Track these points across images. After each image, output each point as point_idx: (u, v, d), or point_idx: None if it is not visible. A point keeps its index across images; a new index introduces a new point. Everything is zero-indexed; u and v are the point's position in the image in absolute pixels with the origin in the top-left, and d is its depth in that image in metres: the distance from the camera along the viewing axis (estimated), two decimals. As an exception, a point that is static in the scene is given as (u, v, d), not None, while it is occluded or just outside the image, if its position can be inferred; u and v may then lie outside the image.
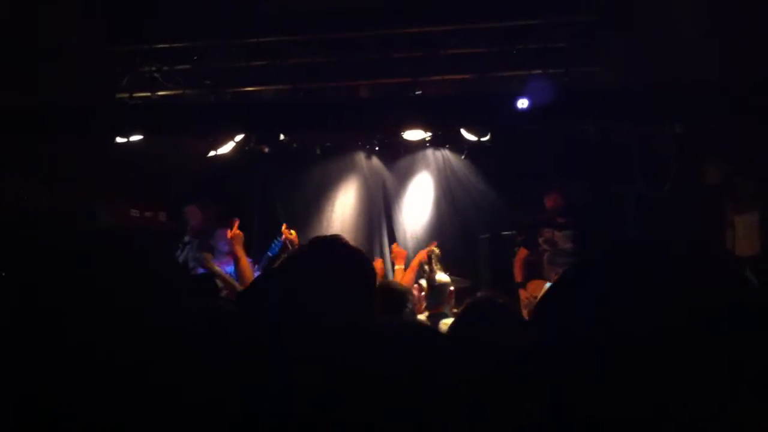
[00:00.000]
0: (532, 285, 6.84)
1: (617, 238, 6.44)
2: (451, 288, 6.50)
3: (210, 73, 6.70)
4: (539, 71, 6.24)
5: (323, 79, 6.50)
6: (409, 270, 5.91)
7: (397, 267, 6.15)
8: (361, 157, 8.69)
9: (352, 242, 6.54)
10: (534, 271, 6.98)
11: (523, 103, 6.28)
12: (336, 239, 2.08)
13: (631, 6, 5.60)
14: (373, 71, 6.38)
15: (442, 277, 6.55)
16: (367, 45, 6.17)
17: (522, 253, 7.17)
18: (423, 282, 6.39)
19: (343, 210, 8.64)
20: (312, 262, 1.94)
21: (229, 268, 6.97)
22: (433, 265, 6.86)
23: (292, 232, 5.85)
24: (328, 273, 1.90)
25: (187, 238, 6.95)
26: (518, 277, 7.10)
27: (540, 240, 7.01)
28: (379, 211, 8.62)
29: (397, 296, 4.11)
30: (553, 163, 7.35)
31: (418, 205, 8.58)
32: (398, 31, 6.08)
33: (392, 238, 8.49)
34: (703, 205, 6.55)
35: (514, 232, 7.69)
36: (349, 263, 1.98)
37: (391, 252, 6.96)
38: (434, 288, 6.21)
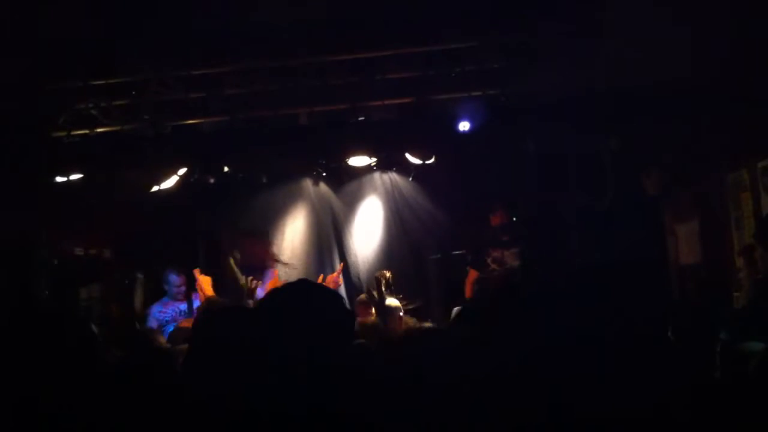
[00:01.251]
0: None
1: (563, 253, 6.51)
2: (401, 313, 6.48)
3: (148, 107, 6.62)
4: (478, 93, 6.29)
5: (262, 108, 6.47)
6: None
7: None
8: (308, 183, 8.66)
9: (303, 270, 6.48)
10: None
11: (464, 126, 6.34)
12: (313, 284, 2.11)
13: (567, 23, 5.67)
14: (311, 98, 6.38)
15: (391, 301, 6.54)
16: (305, 72, 6.16)
17: (472, 274, 7.20)
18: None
19: (292, 238, 8.58)
20: (292, 305, 1.92)
21: (182, 306, 6.90)
22: (383, 289, 6.84)
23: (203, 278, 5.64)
24: (308, 315, 1.89)
25: None
26: (468, 295, 7.13)
27: (488, 259, 7.05)
28: (329, 237, 8.59)
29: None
30: (499, 181, 7.42)
31: (367, 230, 8.57)
32: (335, 57, 6.09)
33: (344, 264, 8.46)
34: (644, 215, 6.66)
35: (463, 251, 7.73)
36: (329, 306, 1.97)
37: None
38: (382, 313, 6.18)
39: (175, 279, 6.97)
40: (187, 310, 6.87)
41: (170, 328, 6.35)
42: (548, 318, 1.16)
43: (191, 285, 6.83)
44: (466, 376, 1.47)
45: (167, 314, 6.86)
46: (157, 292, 7.23)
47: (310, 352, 1.66)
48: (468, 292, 7.23)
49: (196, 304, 6.65)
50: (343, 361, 1.69)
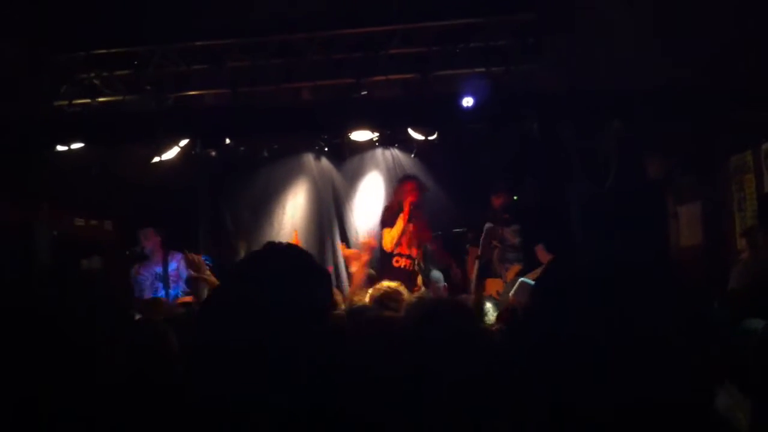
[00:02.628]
0: (488, 282, 6.88)
1: (564, 234, 6.52)
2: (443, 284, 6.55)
3: (150, 78, 6.58)
4: (482, 70, 6.25)
5: (265, 82, 6.43)
6: (360, 269, 5.78)
7: (353, 270, 5.98)
8: (309, 158, 8.64)
9: (303, 245, 6.38)
10: (487, 268, 7.03)
11: (468, 102, 6.29)
12: (291, 247, 2.02)
13: (572, 6, 5.64)
14: (314, 73, 6.33)
15: (435, 273, 6.61)
16: (308, 47, 6.12)
17: (473, 251, 7.21)
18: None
19: (293, 213, 8.58)
20: (267, 271, 1.88)
21: (158, 269, 6.77)
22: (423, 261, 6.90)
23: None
24: (283, 283, 1.85)
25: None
26: (471, 275, 7.14)
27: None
28: (330, 212, 8.58)
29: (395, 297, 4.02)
30: (501, 161, 7.41)
31: (368, 205, 8.55)
32: (339, 32, 6.05)
33: (344, 240, 8.46)
34: (646, 197, 6.65)
35: (464, 229, 7.72)
36: (306, 273, 1.92)
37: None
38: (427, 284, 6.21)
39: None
40: (162, 273, 6.67)
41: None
42: (553, 312, 1.15)
43: (167, 245, 6.65)
44: (468, 372, 1.46)
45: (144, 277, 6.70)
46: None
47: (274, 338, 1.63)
48: (470, 270, 7.24)
49: (172, 266, 6.56)
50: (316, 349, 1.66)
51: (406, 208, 6.58)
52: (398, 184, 6.82)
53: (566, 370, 1.02)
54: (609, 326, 1.01)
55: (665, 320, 1.04)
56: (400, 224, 6.49)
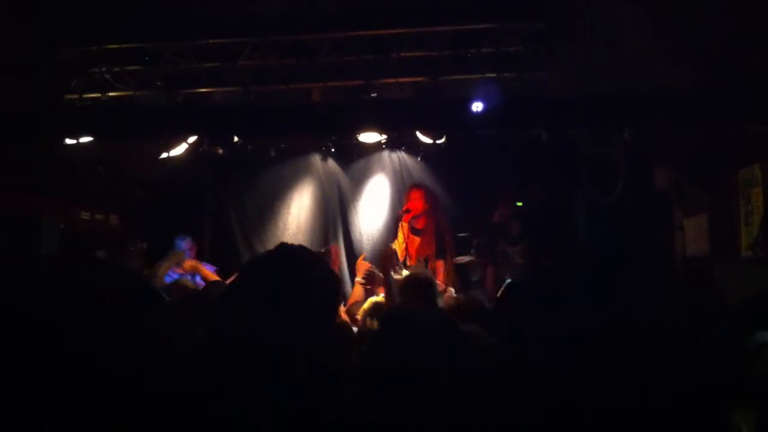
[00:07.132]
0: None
1: (568, 250, 6.51)
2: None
3: (161, 74, 6.59)
4: (492, 75, 6.25)
5: (275, 82, 6.44)
6: (356, 283, 5.81)
7: (357, 278, 5.98)
8: (316, 159, 8.65)
9: (307, 245, 6.38)
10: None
11: (477, 107, 6.28)
12: (301, 248, 2.02)
13: (583, 13, 5.64)
14: (325, 74, 6.34)
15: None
16: (319, 48, 6.13)
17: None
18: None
19: (298, 213, 8.59)
20: (277, 273, 1.88)
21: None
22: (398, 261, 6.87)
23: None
24: (292, 284, 1.86)
25: None
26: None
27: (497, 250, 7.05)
28: (335, 213, 8.59)
29: (427, 286, 4.02)
30: (508, 167, 7.41)
31: (374, 207, 8.57)
32: (350, 34, 6.05)
33: (348, 241, 8.46)
34: (653, 208, 6.64)
35: (468, 234, 7.71)
36: (314, 274, 1.93)
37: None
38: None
39: (180, 243, 6.91)
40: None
41: None
42: (555, 311, 1.15)
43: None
44: (465, 370, 1.46)
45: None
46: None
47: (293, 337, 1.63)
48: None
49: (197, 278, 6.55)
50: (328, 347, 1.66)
51: (404, 218, 6.51)
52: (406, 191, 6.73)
53: (565, 368, 1.02)
54: (607, 327, 1.01)
55: (664, 322, 1.04)
56: (399, 236, 6.42)
